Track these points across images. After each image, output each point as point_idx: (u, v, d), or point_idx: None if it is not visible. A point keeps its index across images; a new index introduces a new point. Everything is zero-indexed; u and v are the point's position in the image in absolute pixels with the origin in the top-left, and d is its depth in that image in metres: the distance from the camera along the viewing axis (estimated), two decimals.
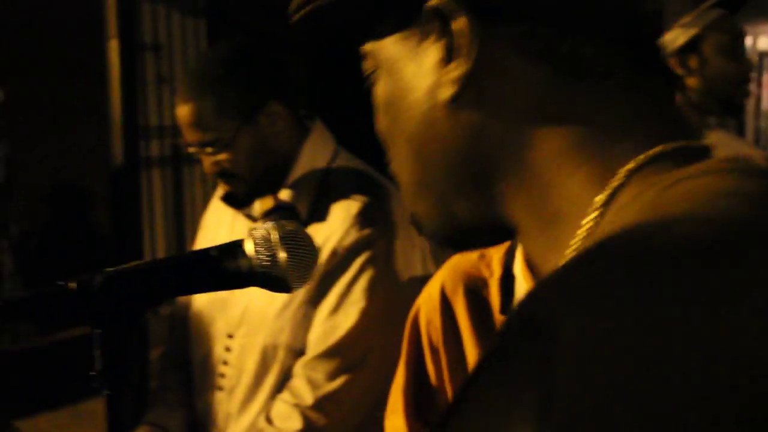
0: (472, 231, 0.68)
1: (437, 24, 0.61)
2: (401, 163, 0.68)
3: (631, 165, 0.58)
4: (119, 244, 3.49)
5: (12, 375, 3.31)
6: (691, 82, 2.10)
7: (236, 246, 0.79)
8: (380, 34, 0.65)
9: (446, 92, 0.61)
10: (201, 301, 1.87)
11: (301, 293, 1.68)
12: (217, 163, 1.70)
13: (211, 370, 1.82)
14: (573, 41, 0.60)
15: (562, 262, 0.58)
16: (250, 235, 0.79)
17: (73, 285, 0.78)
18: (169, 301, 2.14)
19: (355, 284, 1.66)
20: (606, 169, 0.59)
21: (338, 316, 1.65)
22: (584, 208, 0.59)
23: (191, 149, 1.74)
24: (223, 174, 1.72)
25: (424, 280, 1.70)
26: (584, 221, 0.58)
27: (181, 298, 1.95)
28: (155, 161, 4.72)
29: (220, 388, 1.80)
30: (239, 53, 1.70)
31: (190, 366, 1.90)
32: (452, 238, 0.69)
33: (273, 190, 1.74)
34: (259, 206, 1.81)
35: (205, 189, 5.16)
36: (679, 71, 2.10)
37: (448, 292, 1.30)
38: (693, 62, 2.09)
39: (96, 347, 0.79)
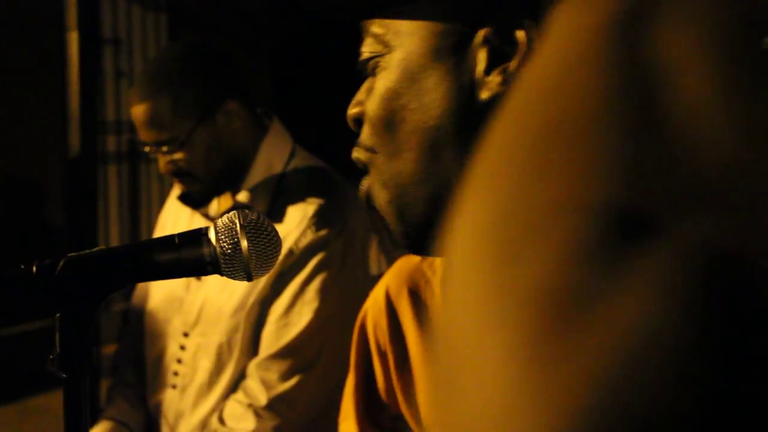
0: None
1: (490, 28, 0.61)
2: (401, 153, 0.67)
3: None
4: (73, 239, 3.45)
5: None
6: None
7: (199, 233, 0.80)
8: (405, 15, 0.64)
9: (486, 94, 0.62)
10: (157, 298, 1.86)
11: (255, 293, 1.68)
12: (172, 162, 1.69)
13: (164, 368, 1.82)
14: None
15: None
16: (213, 223, 0.80)
17: (33, 268, 0.79)
18: (124, 295, 2.13)
19: (310, 284, 1.66)
20: None
21: (292, 315, 1.66)
22: None
23: (146, 148, 1.73)
24: (179, 173, 1.72)
25: (376, 280, 1.72)
26: None
27: (137, 296, 1.94)
28: (111, 157, 4.67)
29: (173, 386, 1.80)
30: (196, 51, 1.69)
31: (144, 363, 1.89)
32: (419, 240, 0.69)
33: (230, 189, 1.74)
34: (216, 206, 1.81)
35: (161, 187, 5.11)
36: None
37: (393, 294, 1.31)
38: None
39: (55, 330, 0.79)
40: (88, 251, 0.80)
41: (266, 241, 0.79)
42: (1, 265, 0.84)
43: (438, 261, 1.31)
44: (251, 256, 0.78)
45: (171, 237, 0.80)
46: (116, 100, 4.77)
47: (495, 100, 0.60)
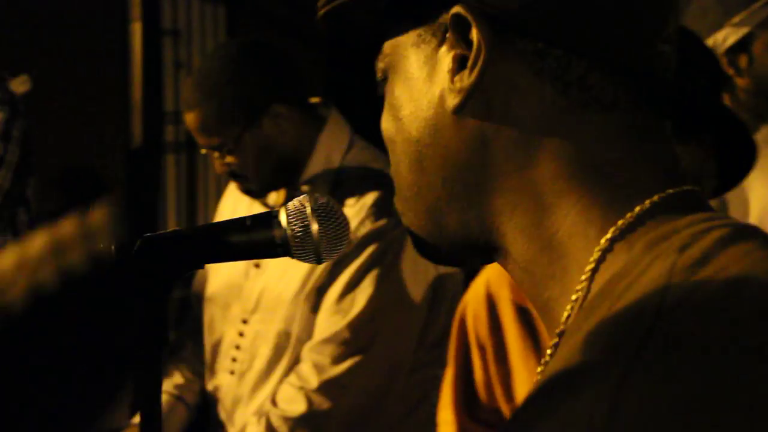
0: (459, 246, 0.67)
1: (454, 32, 0.61)
2: (399, 166, 0.68)
3: (637, 209, 0.59)
4: (134, 228, 3.52)
5: None
6: (741, 82, 2.06)
7: (270, 216, 0.81)
8: (395, 33, 0.66)
9: (453, 101, 0.61)
10: (216, 285, 1.89)
11: (313, 280, 1.71)
12: (226, 164, 1.73)
13: (223, 354, 1.85)
14: (584, 66, 0.60)
15: (570, 296, 0.60)
16: (284, 206, 0.82)
17: (111, 248, 0.81)
18: (183, 282, 2.17)
19: (366, 272, 1.68)
20: (608, 206, 0.60)
21: (346, 301, 1.68)
22: (585, 241, 0.60)
23: (203, 150, 1.77)
24: (233, 174, 1.76)
25: (434, 270, 1.72)
26: (591, 258, 0.59)
27: (196, 283, 1.98)
28: (170, 147, 4.75)
29: (231, 372, 1.82)
30: (243, 56, 1.71)
31: (202, 349, 1.93)
32: (437, 251, 0.69)
33: (287, 185, 1.76)
34: (275, 196, 1.84)
35: (218, 176, 5.18)
36: (729, 71, 2.06)
37: (493, 287, 1.32)
38: (743, 62, 2.05)
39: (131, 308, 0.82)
40: (163, 232, 0.82)
41: (336, 224, 0.80)
42: None
43: None
44: (321, 240, 0.79)
45: (243, 219, 0.81)
46: (175, 91, 4.84)
47: (462, 108, 0.61)
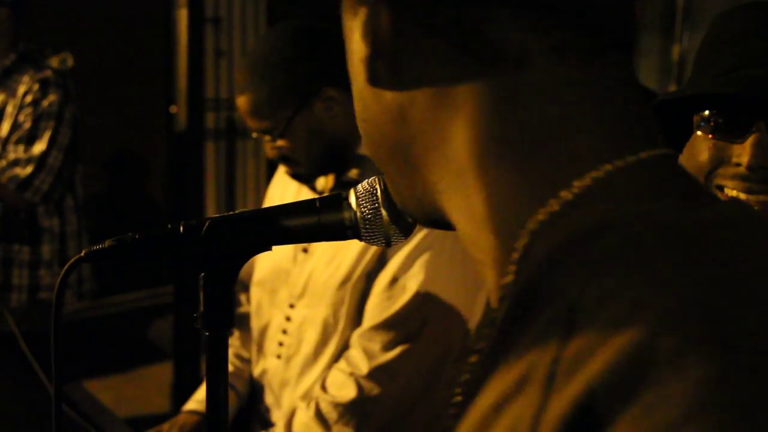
0: (425, 216, 0.62)
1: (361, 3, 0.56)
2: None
3: (576, 186, 0.50)
4: (177, 214, 3.55)
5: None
6: None
7: (340, 198, 0.81)
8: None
9: (362, 74, 0.57)
10: (264, 270, 1.90)
11: (362, 265, 1.70)
12: (277, 148, 1.72)
13: (270, 339, 1.85)
14: (476, 17, 0.51)
15: (498, 283, 0.53)
16: (353, 188, 0.81)
17: (180, 228, 0.81)
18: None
19: (416, 258, 1.67)
20: (539, 182, 0.51)
21: (397, 287, 1.67)
22: (510, 229, 0.52)
23: (254, 134, 1.77)
24: (283, 158, 1.75)
25: None
26: (518, 243, 0.51)
27: (244, 267, 1.97)
28: (210, 133, 4.77)
29: (278, 356, 1.83)
30: (292, 38, 1.69)
31: (250, 334, 1.94)
32: (417, 219, 0.65)
33: (337, 169, 1.76)
34: (323, 181, 1.83)
35: (257, 163, 5.20)
36: None
37: None
38: None
39: (200, 290, 0.82)
40: (231, 213, 0.82)
41: None
42: (109, 234, 0.86)
43: None
44: (391, 222, 0.79)
45: (312, 201, 0.81)
46: (215, 78, 4.87)
47: (372, 79, 0.56)
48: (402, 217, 0.79)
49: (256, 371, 1.90)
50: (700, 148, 1.09)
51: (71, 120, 2.83)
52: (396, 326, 1.67)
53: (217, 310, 0.82)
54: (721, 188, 1.06)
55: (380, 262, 1.70)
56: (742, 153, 1.03)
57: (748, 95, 1.02)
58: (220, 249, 0.81)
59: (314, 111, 1.70)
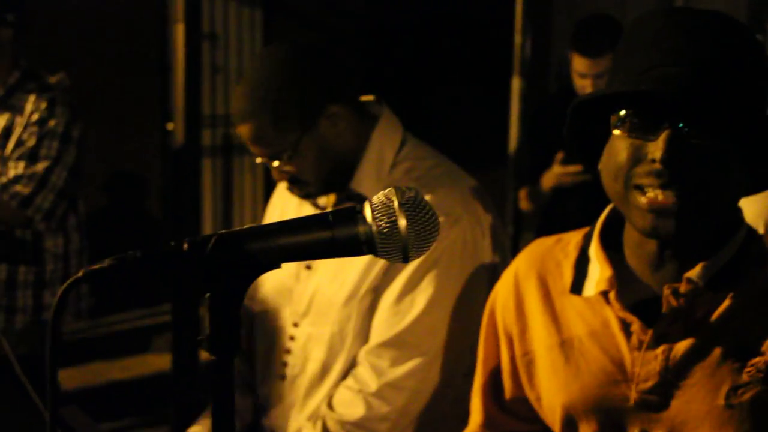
0: None
1: None
2: None
3: None
4: (174, 231, 3.50)
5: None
6: None
7: (354, 211, 0.76)
8: None
9: None
10: (266, 288, 1.86)
11: (368, 281, 1.67)
12: (285, 171, 1.68)
13: (274, 359, 1.81)
14: None
15: None
16: (368, 200, 0.77)
17: (185, 245, 0.77)
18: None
19: (424, 273, 1.63)
20: None
21: (404, 303, 1.64)
22: None
23: (258, 160, 1.72)
24: (292, 181, 1.70)
25: (492, 270, 1.69)
26: None
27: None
28: (206, 150, 4.74)
29: (282, 377, 1.78)
30: (292, 60, 1.65)
31: (254, 354, 1.89)
32: None
33: (343, 185, 1.72)
34: (325, 199, 1.79)
35: (254, 180, 5.17)
36: None
37: (521, 276, 1.32)
38: None
39: (203, 310, 0.77)
40: (239, 228, 0.78)
41: (425, 219, 0.76)
42: (109, 252, 0.82)
43: (572, 245, 1.29)
44: (410, 235, 0.75)
45: (324, 215, 0.77)
46: (212, 95, 4.84)
47: None
48: (420, 231, 0.75)
49: (261, 392, 1.86)
50: (618, 148, 1.10)
51: (78, 139, 2.79)
52: (405, 342, 1.63)
53: (223, 333, 0.77)
54: (639, 188, 1.08)
55: (387, 277, 1.66)
56: (656, 150, 1.05)
57: (659, 92, 1.05)
58: (226, 267, 0.76)
59: (320, 129, 1.66)
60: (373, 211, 0.75)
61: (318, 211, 1.78)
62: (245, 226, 0.79)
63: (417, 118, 2.41)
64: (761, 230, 1.95)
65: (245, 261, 0.77)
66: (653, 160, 1.05)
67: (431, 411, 1.69)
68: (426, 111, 4.73)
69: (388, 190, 0.76)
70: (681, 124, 1.04)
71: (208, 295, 0.77)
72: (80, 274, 0.76)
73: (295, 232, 0.77)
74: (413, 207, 0.75)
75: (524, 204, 3.33)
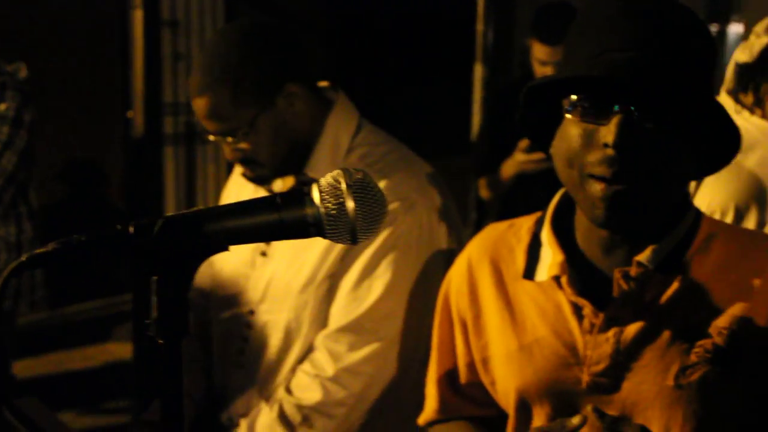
0: None
1: None
2: None
3: None
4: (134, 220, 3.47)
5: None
6: None
7: (302, 193, 0.76)
8: None
9: None
10: (222, 276, 1.84)
11: (325, 268, 1.66)
12: (238, 150, 1.66)
13: (230, 347, 1.80)
14: None
15: None
16: (317, 182, 0.77)
17: (130, 228, 0.76)
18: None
19: (380, 258, 1.64)
20: None
21: (362, 289, 1.64)
22: None
23: (211, 137, 1.70)
24: (245, 160, 1.69)
25: (448, 255, 1.69)
26: None
27: (201, 274, 1.91)
28: (168, 138, 4.69)
29: (239, 365, 1.78)
30: (251, 36, 1.64)
31: (210, 343, 1.88)
32: None
33: (297, 169, 1.71)
34: (280, 183, 1.78)
35: (217, 169, 5.13)
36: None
37: (474, 262, 1.33)
38: None
39: (152, 294, 0.77)
40: (185, 211, 0.77)
41: (373, 201, 0.76)
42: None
43: (524, 230, 1.30)
44: (357, 218, 0.74)
45: (272, 197, 0.76)
46: (174, 82, 4.79)
47: None
48: (368, 213, 0.75)
49: (217, 381, 1.85)
50: (570, 133, 1.11)
51: (29, 123, 2.75)
52: (362, 328, 1.64)
53: (170, 316, 0.76)
54: (593, 177, 1.09)
55: (344, 264, 1.66)
56: (608, 134, 1.06)
57: (611, 77, 1.06)
58: (174, 249, 0.76)
59: (278, 109, 1.64)
60: (321, 193, 0.75)
61: None
62: (192, 209, 0.78)
63: (379, 106, 2.41)
64: (731, 214, 1.99)
65: (192, 243, 0.77)
66: (605, 145, 1.06)
67: (388, 396, 1.69)
68: (388, 99, 4.72)
69: (336, 172, 0.76)
70: (633, 108, 1.05)
71: (154, 278, 0.77)
72: (23, 258, 0.75)
73: (242, 214, 0.76)
74: (361, 188, 0.75)
75: (484, 192, 3.34)
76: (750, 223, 1.99)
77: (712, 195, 2.02)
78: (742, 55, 2.03)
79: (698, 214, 1.22)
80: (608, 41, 1.08)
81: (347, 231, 0.75)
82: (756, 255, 1.19)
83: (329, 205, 0.74)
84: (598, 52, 1.08)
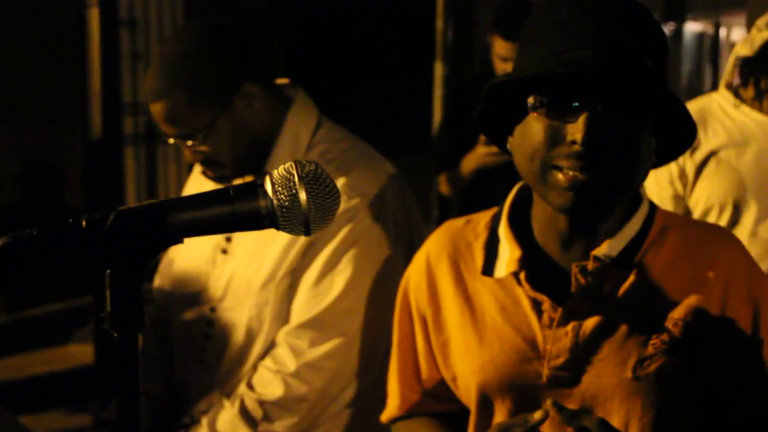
0: None
1: None
2: None
3: None
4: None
5: None
6: None
7: (255, 185, 0.76)
8: None
9: None
10: (182, 274, 1.84)
11: (286, 264, 1.66)
12: (198, 152, 1.66)
13: (191, 344, 1.79)
14: None
15: None
16: (269, 174, 0.77)
17: (83, 222, 0.76)
18: (151, 273, 2.11)
19: (341, 254, 1.64)
20: None
21: (323, 285, 1.64)
22: None
23: (170, 140, 1.69)
24: (206, 162, 1.68)
25: (408, 251, 1.70)
26: None
27: (162, 271, 1.92)
28: (128, 139, 4.65)
29: (201, 362, 1.77)
30: (207, 37, 1.63)
31: (170, 341, 1.87)
32: None
33: (258, 168, 1.71)
34: (240, 180, 1.78)
35: (178, 169, 5.10)
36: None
37: (433, 258, 1.34)
38: None
39: (106, 288, 0.76)
40: (139, 204, 0.77)
41: (325, 192, 0.76)
42: None
43: (481, 226, 1.31)
44: (310, 209, 0.75)
45: (226, 189, 0.77)
46: (133, 82, 4.75)
47: None
48: (321, 204, 0.75)
49: (178, 378, 1.84)
50: (534, 129, 1.12)
51: None
52: (324, 323, 1.64)
53: (125, 310, 0.76)
54: (559, 168, 1.10)
55: (305, 260, 1.66)
56: (576, 131, 1.07)
57: (578, 75, 1.07)
58: (127, 243, 0.76)
59: (236, 109, 1.64)
60: (273, 185, 0.75)
61: None
62: (145, 202, 0.78)
63: (340, 104, 2.41)
64: (729, 209, 2.02)
65: (146, 236, 0.77)
66: (573, 142, 1.07)
67: (350, 392, 1.70)
68: (350, 96, 4.73)
69: (288, 164, 0.76)
70: (599, 106, 1.07)
71: (108, 272, 0.76)
72: None
73: (196, 207, 0.76)
74: (313, 180, 0.76)
75: (444, 188, 3.35)
76: (749, 217, 2.03)
77: (710, 190, 2.06)
78: (743, 49, 2.06)
79: (652, 206, 1.24)
80: (571, 39, 1.09)
81: (300, 222, 0.75)
82: (709, 247, 1.21)
83: (282, 196, 0.75)
84: (560, 51, 1.09)
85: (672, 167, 2.11)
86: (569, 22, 1.10)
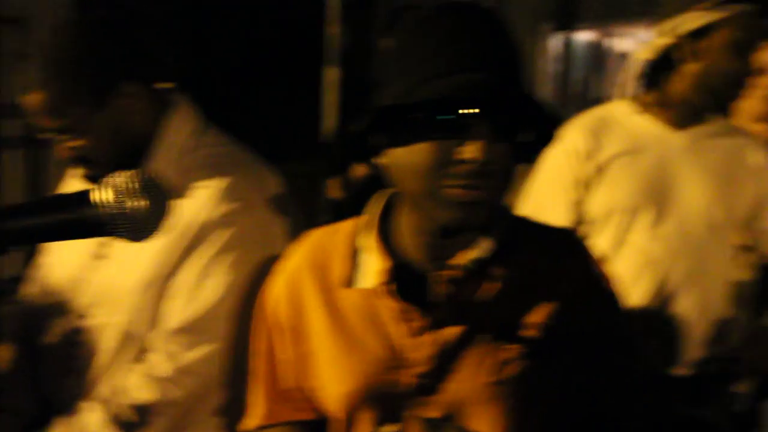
0: None
1: None
2: None
3: None
4: None
5: None
6: (693, 68, 2.05)
7: (90, 193, 0.73)
8: None
9: None
10: (53, 282, 1.80)
11: (160, 269, 1.65)
12: (73, 148, 1.64)
13: (60, 353, 1.76)
14: None
15: None
16: (108, 183, 0.74)
17: None
18: (20, 280, 2.03)
19: (218, 259, 1.63)
20: None
21: (200, 290, 1.63)
22: None
23: (46, 134, 1.67)
24: (79, 159, 1.66)
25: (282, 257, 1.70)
26: None
27: (33, 279, 1.88)
28: (9, 142, 4.49)
29: (70, 370, 1.73)
30: (89, 34, 1.63)
31: (39, 350, 1.81)
32: None
33: (133, 169, 1.67)
34: None
35: (61, 173, 4.94)
36: (683, 54, 2.05)
37: (295, 268, 1.35)
38: (701, 48, 2.03)
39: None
40: None
41: (162, 200, 0.74)
42: None
43: (345, 235, 1.30)
44: (146, 216, 0.72)
45: (64, 196, 0.73)
46: (14, 83, 4.58)
47: None
48: (159, 213, 0.72)
49: (48, 388, 1.78)
50: (423, 147, 1.13)
51: None
52: (198, 328, 1.63)
53: None
54: (452, 186, 1.12)
55: (182, 264, 1.64)
56: (474, 150, 1.10)
57: (472, 97, 1.10)
58: None
59: (113, 108, 1.62)
60: (115, 193, 0.72)
61: None
62: None
63: (228, 109, 2.38)
64: (629, 213, 2.05)
65: None
66: (468, 160, 1.10)
67: (224, 397, 1.68)
68: (237, 101, 4.68)
69: (130, 172, 0.74)
70: (489, 123, 1.10)
71: None
72: None
73: (25, 215, 0.72)
74: (150, 188, 0.73)
75: (336, 192, 3.35)
76: (646, 220, 2.07)
77: (611, 194, 2.10)
78: (645, 53, 2.12)
79: (509, 214, 1.28)
80: (457, 59, 1.11)
81: (139, 229, 0.73)
82: (562, 251, 1.26)
83: (121, 203, 0.72)
84: (446, 72, 1.10)
85: (569, 174, 2.14)
86: (453, 41, 1.12)
